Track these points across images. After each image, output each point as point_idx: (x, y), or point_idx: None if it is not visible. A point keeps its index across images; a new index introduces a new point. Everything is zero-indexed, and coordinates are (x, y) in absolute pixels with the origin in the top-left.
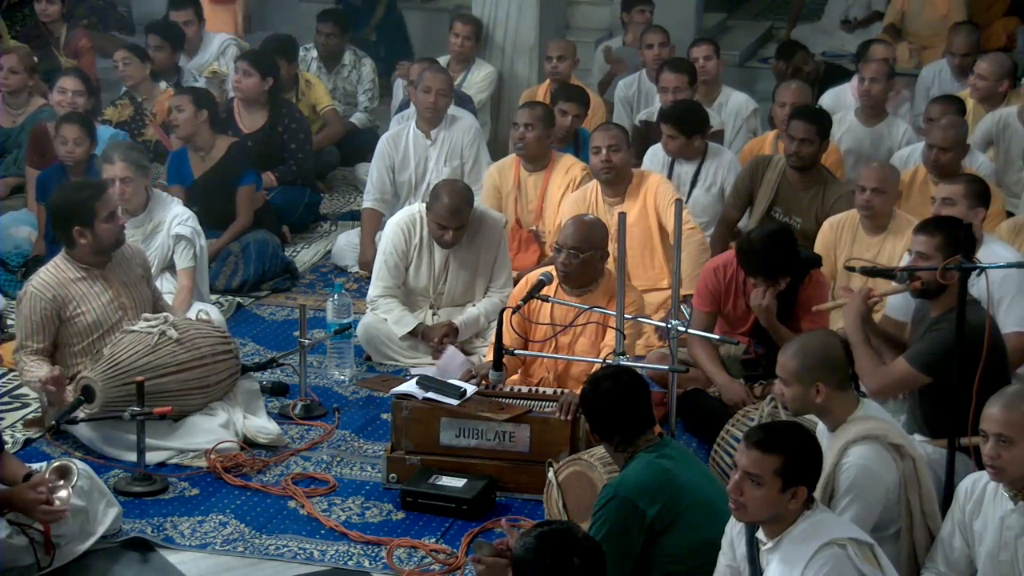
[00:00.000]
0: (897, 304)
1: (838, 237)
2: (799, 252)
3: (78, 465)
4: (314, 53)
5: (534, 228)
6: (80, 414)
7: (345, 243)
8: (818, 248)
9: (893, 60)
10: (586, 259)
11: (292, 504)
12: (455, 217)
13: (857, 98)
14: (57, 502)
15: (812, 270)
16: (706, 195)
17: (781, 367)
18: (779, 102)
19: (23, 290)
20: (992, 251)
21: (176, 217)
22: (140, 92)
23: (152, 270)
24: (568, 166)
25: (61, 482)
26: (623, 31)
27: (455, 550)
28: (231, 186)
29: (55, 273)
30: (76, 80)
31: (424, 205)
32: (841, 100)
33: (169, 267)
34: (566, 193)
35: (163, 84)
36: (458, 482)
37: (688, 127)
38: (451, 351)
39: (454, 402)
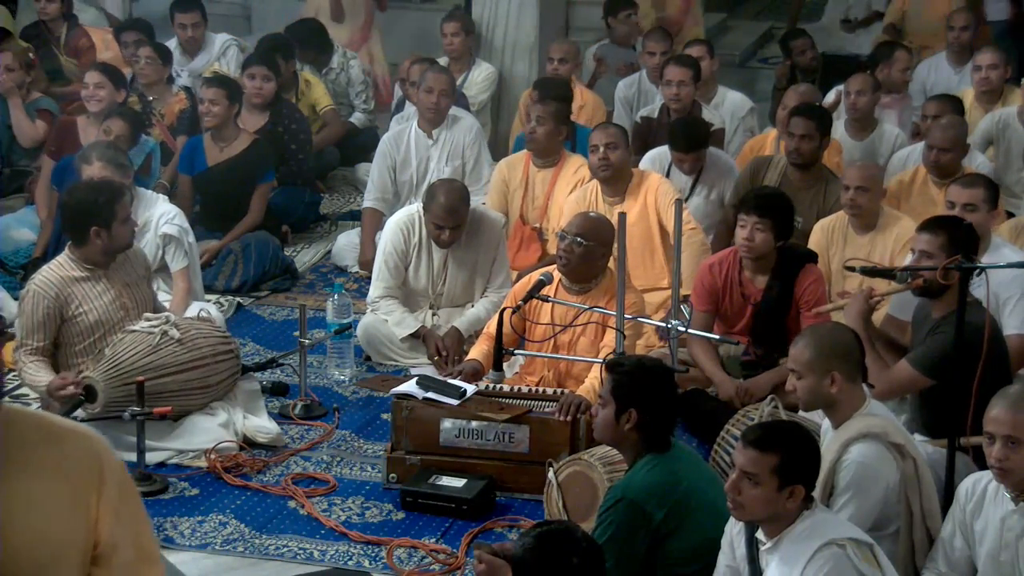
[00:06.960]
0: (900, 304)
1: (830, 239)
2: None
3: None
4: None
5: (537, 225)
6: (80, 414)
7: (345, 243)
8: None
9: (909, 66)
10: (588, 249)
11: (292, 504)
12: (452, 216)
13: (845, 111)
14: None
15: (808, 263)
16: (705, 203)
17: (794, 359)
18: (783, 104)
19: (26, 288)
20: (1001, 255)
21: (163, 215)
22: (152, 92)
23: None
24: (577, 166)
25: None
26: (607, 33)
27: (455, 550)
28: (248, 181)
29: (58, 272)
30: (98, 74)
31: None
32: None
33: (159, 268)
34: (573, 192)
35: (175, 87)
36: (458, 482)
37: (695, 144)
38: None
39: (454, 402)
